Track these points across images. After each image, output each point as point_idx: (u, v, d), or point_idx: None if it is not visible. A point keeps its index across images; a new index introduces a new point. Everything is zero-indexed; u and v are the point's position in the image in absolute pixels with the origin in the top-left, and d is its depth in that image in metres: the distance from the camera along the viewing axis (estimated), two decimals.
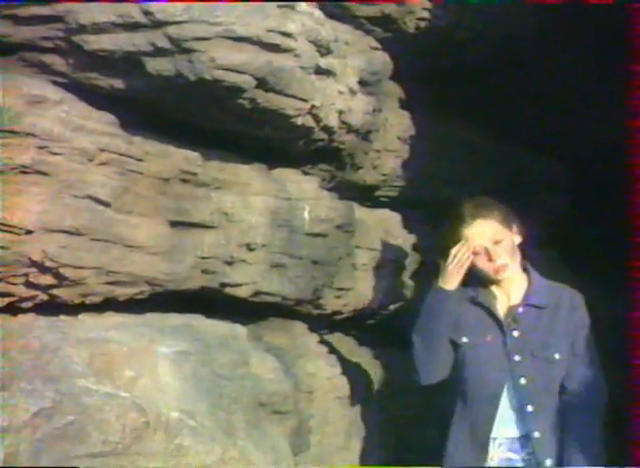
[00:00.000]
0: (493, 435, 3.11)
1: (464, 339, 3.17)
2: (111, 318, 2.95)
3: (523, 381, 3.07)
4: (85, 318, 2.90)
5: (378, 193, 4.25)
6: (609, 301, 4.63)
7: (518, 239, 3.23)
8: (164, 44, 2.78)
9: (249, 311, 3.50)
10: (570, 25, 3.97)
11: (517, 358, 3.08)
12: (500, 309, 3.18)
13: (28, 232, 2.63)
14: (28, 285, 2.73)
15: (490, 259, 3.14)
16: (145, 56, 2.82)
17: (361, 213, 4.02)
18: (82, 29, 2.76)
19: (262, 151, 3.50)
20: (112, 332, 2.77)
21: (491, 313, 3.17)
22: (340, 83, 3.40)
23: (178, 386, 2.75)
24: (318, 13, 3.14)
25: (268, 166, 3.56)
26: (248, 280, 3.36)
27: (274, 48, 2.93)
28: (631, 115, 3.46)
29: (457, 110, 4.37)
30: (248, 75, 2.90)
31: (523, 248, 3.26)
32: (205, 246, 3.17)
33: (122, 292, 2.96)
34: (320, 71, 3.22)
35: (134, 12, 2.72)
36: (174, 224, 3.07)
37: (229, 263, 3.29)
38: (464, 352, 3.17)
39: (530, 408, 3.05)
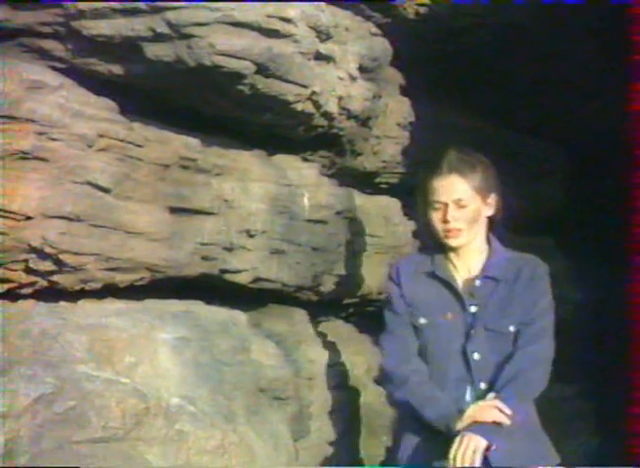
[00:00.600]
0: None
1: (422, 320, 2.92)
2: (111, 304, 2.95)
3: (476, 356, 2.84)
4: (85, 304, 2.90)
5: (378, 180, 4.25)
6: (605, 289, 4.64)
7: (489, 211, 2.93)
8: (163, 29, 2.77)
9: (249, 297, 3.50)
10: (570, 11, 3.96)
11: (472, 332, 2.86)
12: (460, 283, 2.93)
13: (28, 218, 2.63)
14: (28, 271, 2.73)
15: (444, 220, 2.86)
16: (145, 41, 2.81)
17: (361, 199, 4.01)
18: (81, 15, 2.75)
19: (262, 138, 3.49)
20: (112, 319, 2.77)
21: (451, 288, 2.92)
22: (340, 69, 3.39)
23: (178, 372, 2.75)
24: None
25: (268, 152, 3.55)
26: (248, 266, 3.36)
27: (274, 34, 2.93)
28: (630, 101, 3.45)
29: (457, 96, 4.36)
30: (248, 61, 2.90)
31: (495, 221, 2.98)
32: (205, 232, 3.17)
33: (122, 279, 2.96)
34: (320, 57, 3.21)
35: None
36: (174, 211, 3.06)
37: (229, 250, 3.28)
38: (424, 335, 2.91)
39: (483, 385, 2.82)
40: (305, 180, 3.60)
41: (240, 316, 3.24)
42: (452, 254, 2.95)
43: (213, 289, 3.35)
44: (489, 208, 2.93)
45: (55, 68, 2.86)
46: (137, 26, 2.76)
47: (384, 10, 3.66)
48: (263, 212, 3.38)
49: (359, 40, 3.53)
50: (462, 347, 2.85)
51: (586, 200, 5.33)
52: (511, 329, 2.84)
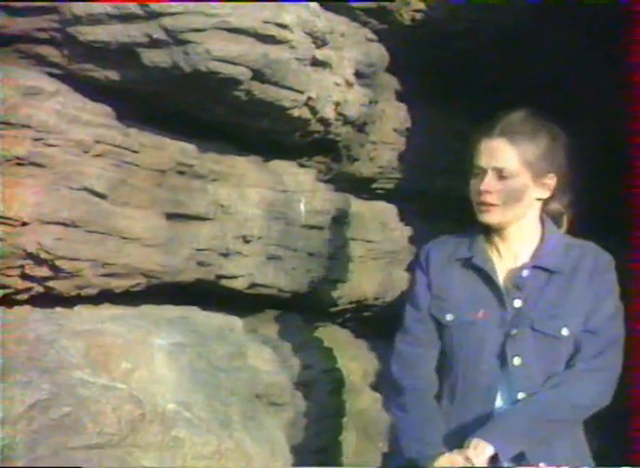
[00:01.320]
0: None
1: (449, 317, 2.49)
2: (107, 310, 2.94)
3: (517, 361, 2.39)
4: (81, 310, 2.89)
5: (374, 185, 4.25)
6: None
7: (541, 193, 2.44)
8: (159, 35, 2.78)
9: (245, 303, 3.50)
10: (565, 15, 3.97)
11: (514, 331, 2.41)
12: (502, 273, 2.48)
13: (24, 224, 2.63)
14: (24, 277, 2.72)
15: (479, 190, 2.41)
16: (141, 47, 2.81)
17: (357, 205, 4.02)
18: (77, 20, 2.75)
19: (259, 143, 3.49)
20: (108, 324, 2.77)
21: (489, 279, 2.47)
22: (337, 75, 3.40)
23: (174, 378, 2.74)
24: (314, 4, 3.14)
25: (265, 158, 3.56)
26: (244, 272, 3.36)
27: (270, 39, 2.93)
28: (631, 103, 3.45)
29: (453, 102, 4.37)
30: (244, 67, 2.90)
31: (552, 211, 2.53)
32: (201, 238, 3.17)
33: (118, 285, 2.96)
34: (316, 63, 3.22)
35: (129, 3, 2.71)
36: (170, 216, 3.06)
37: (225, 255, 3.29)
38: (451, 333, 2.48)
39: (521, 395, 2.38)
40: (302, 186, 3.61)
41: (236, 322, 3.24)
42: (496, 238, 2.50)
43: (209, 294, 3.35)
44: (542, 189, 2.45)
45: (51, 74, 2.86)
46: (133, 32, 2.77)
47: (380, 16, 3.67)
48: (260, 217, 3.39)
49: (355, 46, 3.54)
50: (501, 349, 2.42)
51: (585, 204, 5.32)
52: (564, 332, 2.40)
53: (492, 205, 2.41)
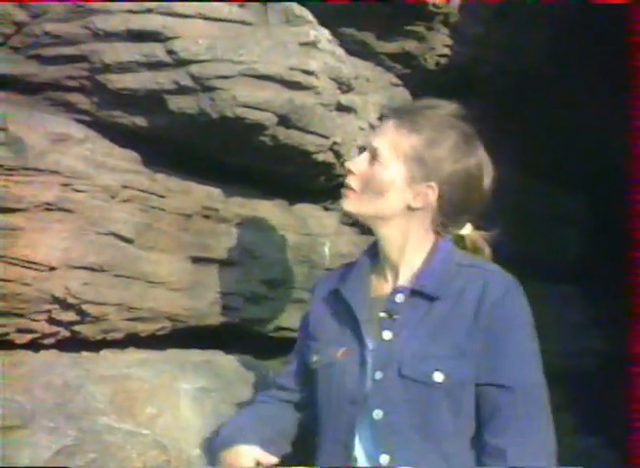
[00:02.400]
0: None
1: (314, 358, 2.16)
2: (133, 354, 2.95)
3: (377, 415, 1.96)
4: (107, 354, 2.90)
5: None
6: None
7: (415, 202, 2.03)
8: (187, 82, 2.80)
9: (270, 347, 3.49)
10: (587, 58, 3.99)
11: (378, 376, 1.98)
12: (375, 301, 2.07)
13: (52, 269, 2.65)
14: (51, 321, 2.73)
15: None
16: (168, 94, 2.84)
17: None
18: (106, 68, 2.79)
19: (283, 187, 3.51)
20: (134, 369, 2.78)
21: (351, 310, 2.08)
22: (361, 119, 3.42)
23: (198, 423, 2.73)
24: (340, 51, 3.16)
25: (289, 202, 3.57)
26: (268, 316, 3.36)
27: (296, 85, 2.95)
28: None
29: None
30: (270, 112, 2.92)
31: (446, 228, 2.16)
32: (226, 282, 3.18)
33: (144, 329, 2.96)
34: (341, 108, 3.24)
35: (158, 51, 2.75)
36: (195, 260, 3.07)
37: (250, 299, 3.29)
38: (317, 378, 2.14)
39: (385, 459, 1.93)
40: (326, 229, 3.61)
41: (261, 366, 3.24)
42: (382, 260, 2.11)
43: (233, 338, 3.34)
44: (415, 197, 2.05)
45: (80, 121, 2.90)
46: (161, 80, 2.80)
47: (405, 61, 3.70)
48: (284, 261, 3.39)
49: (380, 90, 3.57)
50: (363, 397, 1.99)
51: (609, 247, 5.30)
52: (437, 378, 1.94)
53: (351, 189, 2.12)
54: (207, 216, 3.14)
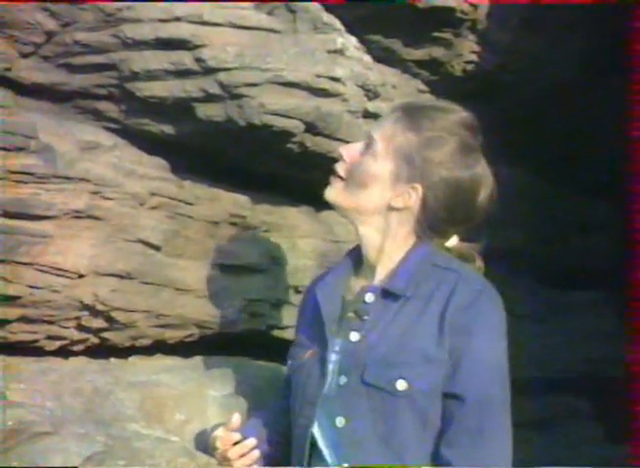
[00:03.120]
0: None
1: (289, 361, 2.14)
2: (161, 361, 2.96)
3: (340, 422, 1.89)
4: (135, 361, 2.91)
5: None
6: None
7: (396, 202, 1.96)
8: (215, 90, 2.82)
9: None
10: (615, 69, 3.96)
11: (342, 381, 1.90)
12: (348, 302, 1.99)
13: (81, 276, 2.66)
14: (80, 328, 2.75)
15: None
16: (196, 101, 2.85)
17: None
18: (135, 77, 2.80)
19: (310, 194, 3.51)
20: (162, 376, 2.79)
21: (318, 310, 2.00)
22: None
23: None
24: (367, 58, 3.16)
25: (316, 208, 3.57)
26: (295, 322, 3.36)
27: (323, 93, 2.96)
28: None
29: (504, 153, 4.36)
30: (297, 120, 2.93)
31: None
32: (253, 288, 3.19)
33: (171, 335, 2.98)
34: (368, 115, 3.23)
35: (186, 59, 2.77)
36: (222, 267, 3.08)
37: (277, 306, 3.29)
38: (292, 382, 2.10)
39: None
40: (353, 236, 3.59)
41: None
42: (364, 256, 2.04)
43: (260, 344, 3.35)
44: (397, 196, 1.96)
45: (108, 129, 2.92)
46: (189, 87, 2.81)
47: (432, 67, 3.69)
48: (311, 267, 3.39)
49: (406, 97, 3.55)
50: (325, 402, 1.92)
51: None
52: (400, 386, 1.84)
53: (337, 177, 2.07)
54: (234, 224, 3.16)
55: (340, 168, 2.07)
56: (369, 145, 1.99)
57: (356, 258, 2.10)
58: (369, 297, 1.96)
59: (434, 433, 1.86)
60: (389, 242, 2.00)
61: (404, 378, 1.84)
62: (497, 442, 1.85)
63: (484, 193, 2.04)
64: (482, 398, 1.83)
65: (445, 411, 1.85)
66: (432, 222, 1.99)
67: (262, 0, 2.90)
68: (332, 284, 2.04)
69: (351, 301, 1.98)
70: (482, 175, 2.03)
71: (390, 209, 1.99)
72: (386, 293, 1.94)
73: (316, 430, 1.94)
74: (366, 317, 1.93)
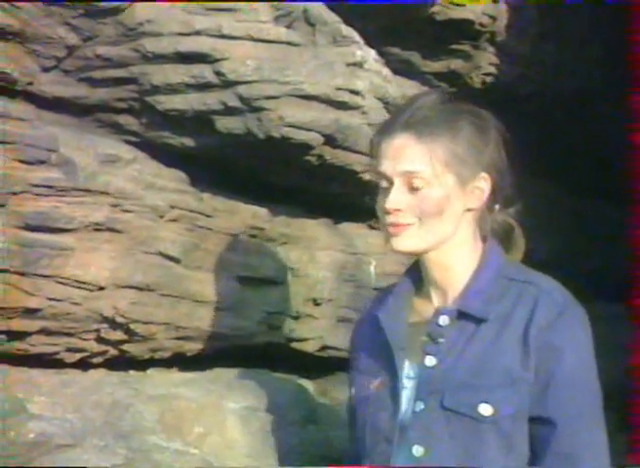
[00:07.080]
0: None
1: (353, 391, 1.97)
2: (180, 373, 2.97)
3: (417, 451, 1.75)
4: (154, 373, 2.92)
5: None
6: None
7: (473, 202, 1.84)
8: (234, 103, 2.82)
9: (315, 366, 3.49)
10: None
11: (419, 407, 1.78)
12: (415, 325, 1.87)
13: (101, 288, 2.67)
14: (99, 340, 2.76)
15: (385, 210, 1.83)
16: (216, 114, 2.86)
17: None
18: (155, 90, 2.82)
19: (329, 206, 3.51)
20: (181, 388, 2.79)
21: (385, 337, 1.86)
22: None
23: (246, 443, 2.74)
24: (386, 70, 3.17)
25: (335, 221, 3.58)
26: (314, 335, 3.36)
27: (342, 105, 2.96)
28: None
29: (524, 163, 4.35)
30: (316, 132, 2.93)
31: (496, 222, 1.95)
32: (271, 301, 3.19)
33: (190, 348, 2.98)
34: None
35: (206, 72, 2.78)
36: (241, 279, 3.09)
37: (296, 318, 3.29)
38: (356, 413, 1.95)
39: None
40: (372, 248, 3.61)
41: (307, 385, 3.24)
42: (428, 276, 1.88)
43: (279, 357, 3.35)
44: (472, 196, 1.84)
45: (128, 142, 2.94)
46: (208, 100, 2.82)
47: (451, 79, 3.69)
48: (330, 280, 3.39)
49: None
50: (401, 432, 1.79)
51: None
52: (485, 411, 1.73)
53: (404, 225, 1.81)
54: (253, 236, 3.16)
55: (401, 218, 1.83)
56: (410, 178, 1.81)
57: (416, 278, 1.96)
58: (443, 320, 1.83)
59: (518, 459, 1.76)
60: (458, 254, 1.85)
61: (487, 402, 1.73)
62: (592, 464, 1.77)
63: (502, 131, 2.00)
64: (574, 421, 1.74)
65: (534, 437, 1.76)
66: (502, 201, 1.91)
67: None
68: (394, 307, 1.91)
69: (423, 326, 1.85)
70: (496, 126, 1.99)
71: (466, 212, 1.87)
72: (462, 315, 1.81)
73: (392, 461, 1.82)
74: (441, 340, 1.81)
